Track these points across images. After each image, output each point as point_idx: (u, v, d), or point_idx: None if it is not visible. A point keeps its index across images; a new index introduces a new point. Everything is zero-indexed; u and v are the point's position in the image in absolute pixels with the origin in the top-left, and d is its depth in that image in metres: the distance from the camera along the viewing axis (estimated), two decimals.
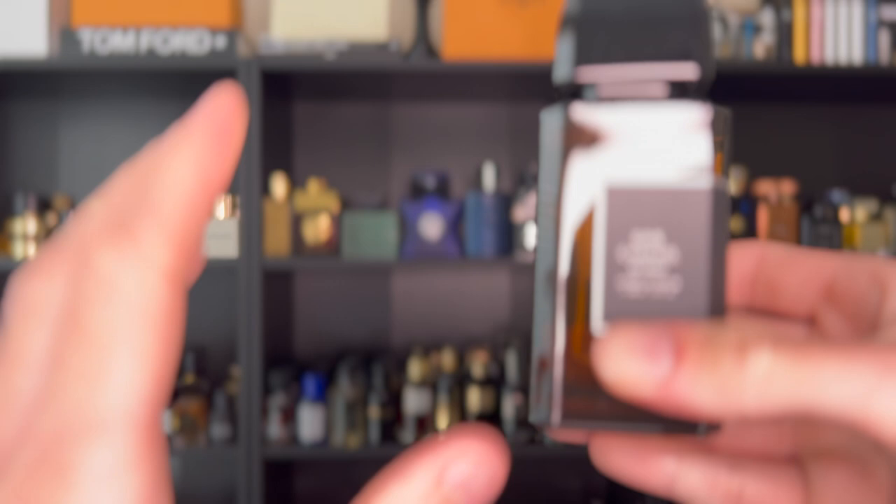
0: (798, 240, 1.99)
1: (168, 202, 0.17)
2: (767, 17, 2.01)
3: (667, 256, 0.20)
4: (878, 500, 0.22)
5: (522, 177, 2.01)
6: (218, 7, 1.95)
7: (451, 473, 0.17)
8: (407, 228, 1.97)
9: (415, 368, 1.95)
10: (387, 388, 1.95)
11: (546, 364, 0.21)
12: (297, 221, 1.94)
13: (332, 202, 1.96)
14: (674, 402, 0.19)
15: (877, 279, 0.21)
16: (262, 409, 1.92)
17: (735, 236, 1.99)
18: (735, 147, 2.27)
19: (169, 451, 1.90)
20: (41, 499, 0.15)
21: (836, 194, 2.06)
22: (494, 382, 1.97)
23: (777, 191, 2.00)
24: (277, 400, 1.93)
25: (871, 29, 2.00)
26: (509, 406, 1.95)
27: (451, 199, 2.05)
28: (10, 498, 0.16)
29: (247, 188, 1.90)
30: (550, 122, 0.22)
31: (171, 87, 2.08)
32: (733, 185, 2.02)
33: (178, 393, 1.95)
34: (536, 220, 0.22)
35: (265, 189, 1.95)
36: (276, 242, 1.93)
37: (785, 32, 2.00)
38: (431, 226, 1.96)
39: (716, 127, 0.21)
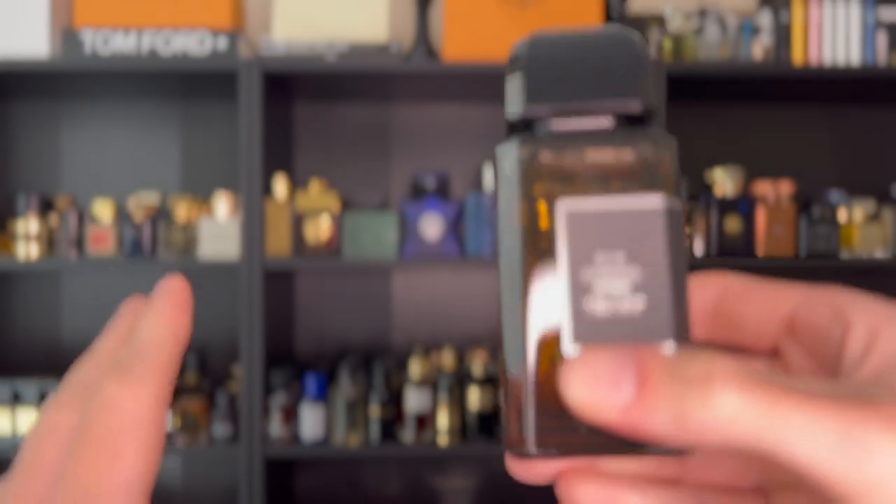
0: (796, 240, 2.00)
1: (153, 349, 0.24)
2: (766, 19, 2.02)
3: (629, 276, 0.21)
4: None
5: None
6: (219, 8, 1.96)
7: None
8: (407, 228, 1.98)
9: (415, 368, 1.96)
10: (387, 387, 1.96)
11: (519, 390, 0.22)
12: (297, 222, 1.95)
13: (332, 202, 1.96)
14: (635, 428, 0.19)
15: (838, 314, 0.21)
16: (264, 409, 1.93)
17: (734, 237, 2.00)
18: (733, 148, 2.28)
19: (169, 450, 1.91)
20: None
21: (834, 194, 2.07)
22: (494, 382, 1.98)
23: (775, 191, 2.00)
24: (278, 399, 1.94)
25: (869, 30, 2.01)
26: None
27: (451, 199, 2.06)
28: None
29: (248, 189, 1.91)
30: (506, 155, 0.23)
31: (173, 88, 2.09)
32: (733, 186, 2.03)
33: (179, 392, 1.96)
34: (498, 251, 0.23)
35: (266, 190, 1.96)
36: (277, 243, 1.94)
37: (783, 34, 2.01)
38: (431, 226, 1.97)
39: (663, 153, 0.22)
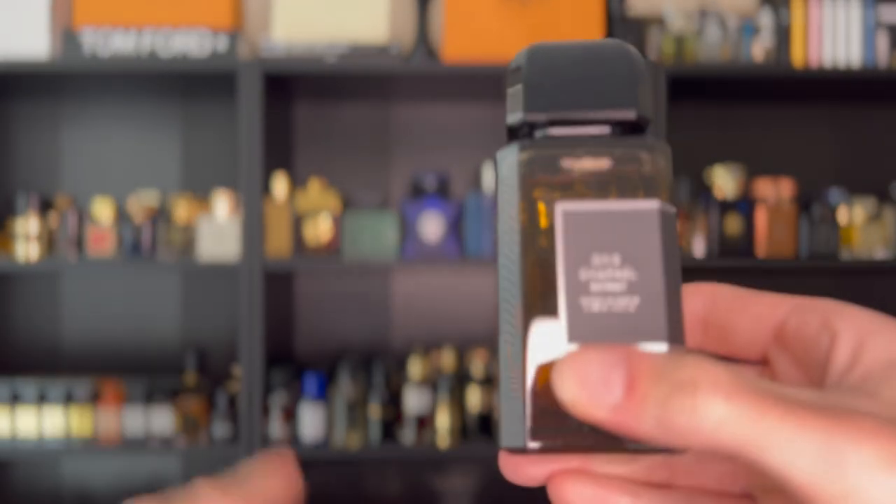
0: (797, 240, 2.00)
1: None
2: (766, 19, 2.02)
3: (624, 277, 0.22)
4: None
5: None
6: (219, 8, 1.96)
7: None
8: (407, 228, 1.97)
9: (415, 368, 1.96)
10: (387, 387, 1.96)
11: (516, 386, 0.22)
12: (298, 222, 1.95)
13: (332, 202, 1.96)
14: (624, 428, 0.20)
15: (826, 323, 0.22)
16: (263, 408, 1.93)
17: (735, 237, 2.00)
18: (734, 148, 2.28)
19: (169, 450, 1.91)
20: None
21: (835, 193, 2.07)
22: (494, 382, 1.98)
23: (776, 191, 2.00)
24: (278, 399, 1.94)
25: (869, 30, 2.01)
26: None
27: (451, 199, 2.06)
28: None
29: (248, 189, 1.91)
30: (506, 159, 0.23)
31: (173, 88, 2.09)
32: (733, 186, 2.03)
33: (179, 392, 1.96)
34: (498, 254, 0.24)
35: (266, 190, 1.96)
36: (277, 243, 1.94)
37: (783, 34, 2.01)
38: (431, 226, 1.97)
39: (657, 159, 0.23)
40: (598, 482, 0.23)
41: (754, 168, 2.27)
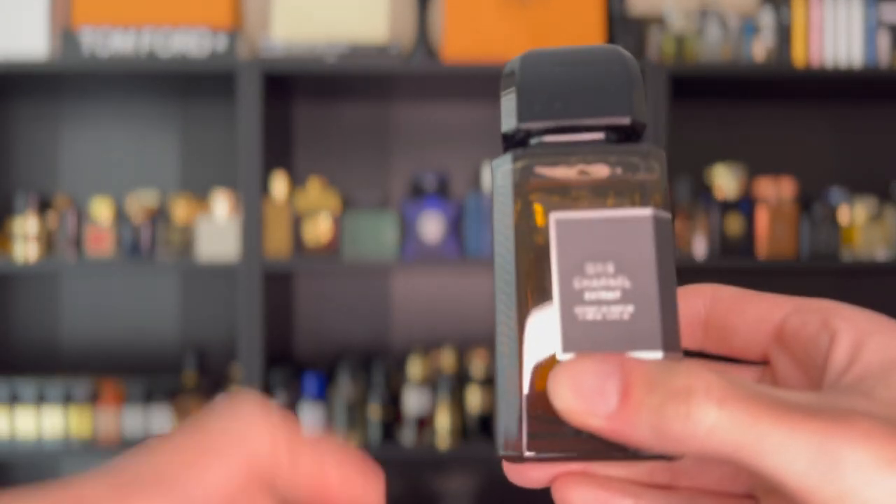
0: (798, 240, 2.00)
1: None
2: (767, 19, 2.01)
3: (619, 285, 0.22)
4: None
5: None
6: (219, 8, 1.96)
7: None
8: (407, 228, 1.97)
9: (415, 368, 1.95)
10: (387, 387, 1.96)
11: (512, 395, 0.22)
12: (297, 222, 1.95)
13: (332, 202, 1.96)
14: (620, 435, 0.20)
15: (825, 324, 0.22)
16: None
17: (735, 237, 2.00)
18: (735, 147, 2.27)
19: None
20: None
21: (835, 194, 2.07)
22: (494, 383, 1.97)
23: (777, 190, 2.00)
24: (278, 399, 1.93)
25: (871, 30, 2.00)
26: None
27: (451, 199, 2.05)
28: None
29: (247, 189, 1.91)
30: (501, 167, 0.23)
31: (172, 87, 2.09)
32: (734, 186, 2.03)
33: (178, 392, 1.96)
34: (494, 261, 0.24)
35: (265, 190, 1.96)
36: (277, 243, 1.93)
37: (784, 34, 2.01)
38: (431, 226, 1.97)
39: (652, 166, 0.23)
40: (601, 484, 0.23)
41: (755, 168, 2.27)
